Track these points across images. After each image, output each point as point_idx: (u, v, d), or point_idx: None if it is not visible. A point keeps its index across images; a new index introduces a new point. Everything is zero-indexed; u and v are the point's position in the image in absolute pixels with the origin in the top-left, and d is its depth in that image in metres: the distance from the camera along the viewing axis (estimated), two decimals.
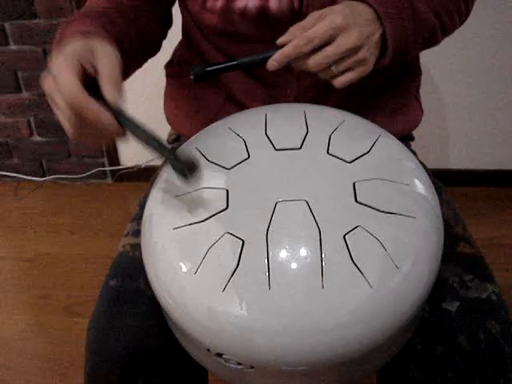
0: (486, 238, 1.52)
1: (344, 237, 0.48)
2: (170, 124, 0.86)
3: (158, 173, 0.62)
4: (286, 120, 0.61)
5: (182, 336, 0.55)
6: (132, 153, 1.88)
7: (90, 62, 0.53)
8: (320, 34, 0.56)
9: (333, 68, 0.58)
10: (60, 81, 0.50)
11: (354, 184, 0.52)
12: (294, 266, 0.47)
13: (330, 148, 0.56)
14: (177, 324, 0.52)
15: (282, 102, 0.71)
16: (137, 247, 0.68)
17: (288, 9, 0.65)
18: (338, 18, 0.56)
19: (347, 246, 0.47)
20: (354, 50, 0.57)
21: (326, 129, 0.58)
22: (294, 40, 0.57)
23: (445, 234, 0.54)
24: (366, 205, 0.50)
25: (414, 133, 0.84)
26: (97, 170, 1.91)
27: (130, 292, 0.64)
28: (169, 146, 0.52)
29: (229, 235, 0.49)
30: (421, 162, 0.61)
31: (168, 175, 0.59)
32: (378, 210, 0.50)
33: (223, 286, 0.47)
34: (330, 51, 0.57)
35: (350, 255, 0.47)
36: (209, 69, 0.62)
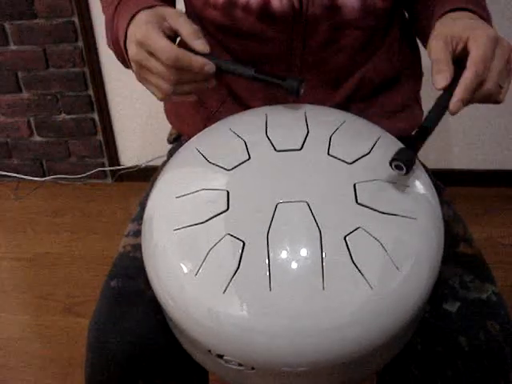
0: (485, 238, 1.52)
1: (345, 238, 0.48)
2: (170, 123, 0.86)
3: (158, 173, 0.62)
4: (286, 121, 0.61)
5: (183, 337, 0.55)
6: (132, 153, 1.88)
7: (164, 25, 0.58)
8: (490, 53, 0.53)
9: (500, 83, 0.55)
10: (156, 46, 0.55)
11: (354, 185, 0.52)
12: (294, 267, 0.47)
13: (331, 149, 0.56)
14: (177, 325, 0.52)
15: (282, 101, 0.71)
16: (137, 247, 0.68)
17: (289, 7, 0.65)
18: (489, 32, 0.54)
19: (348, 247, 0.48)
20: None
21: (327, 130, 0.58)
22: (469, 70, 0.53)
23: (445, 234, 0.54)
24: (366, 206, 0.50)
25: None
26: (97, 170, 1.91)
27: (131, 292, 0.64)
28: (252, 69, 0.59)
29: (229, 236, 0.49)
30: (421, 163, 0.61)
31: (168, 176, 0.59)
32: (378, 211, 0.50)
33: (224, 288, 0.47)
34: (496, 65, 0.54)
35: (351, 256, 0.47)
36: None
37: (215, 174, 0.55)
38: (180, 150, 0.63)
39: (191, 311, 0.48)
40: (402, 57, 0.75)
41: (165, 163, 0.77)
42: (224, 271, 0.47)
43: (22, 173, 1.95)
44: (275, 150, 0.56)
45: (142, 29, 0.56)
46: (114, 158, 1.89)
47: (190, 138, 0.64)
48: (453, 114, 0.54)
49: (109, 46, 0.69)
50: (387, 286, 0.47)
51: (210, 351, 0.50)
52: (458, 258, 0.65)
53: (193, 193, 0.54)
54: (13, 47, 1.71)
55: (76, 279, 1.49)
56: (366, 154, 0.55)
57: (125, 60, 0.63)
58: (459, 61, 0.55)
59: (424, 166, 0.69)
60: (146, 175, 0.89)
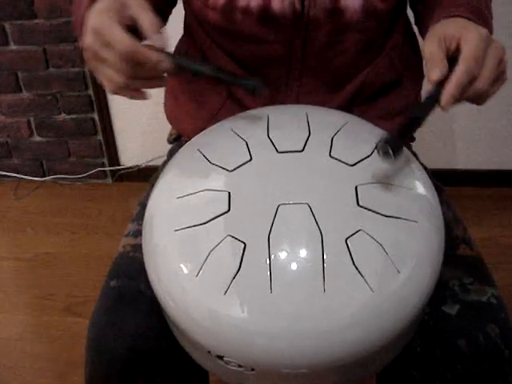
0: (485, 238, 1.52)
1: (346, 240, 0.48)
2: (170, 123, 0.86)
3: (158, 173, 0.62)
4: (288, 122, 0.61)
5: (183, 337, 0.55)
6: (132, 153, 1.88)
7: (125, 14, 0.55)
8: (482, 51, 0.54)
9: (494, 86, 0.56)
10: (111, 36, 0.52)
11: (356, 187, 0.52)
12: (295, 269, 0.47)
13: (333, 151, 0.56)
14: (178, 326, 0.52)
15: (283, 103, 0.71)
16: (137, 247, 0.68)
17: (290, 10, 0.65)
18: (482, 32, 0.55)
19: (349, 249, 0.48)
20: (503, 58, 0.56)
21: (329, 131, 0.58)
22: (460, 66, 0.54)
23: (445, 236, 0.54)
24: (367, 208, 0.50)
25: (415, 133, 0.84)
26: (97, 170, 1.91)
27: (131, 292, 0.64)
28: (216, 68, 0.57)
29: (230, 238, 0.49)
30: (420, 163, 0.61)
31: (169, 176, 0.59)
32: (379, 213, 0.50)
33: (225, 289, 0.47)
34: (488, 64, 0.54)
35: (352, 259, 0.47)
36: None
37: (216, 175, 0.55)
38: (181, 150, 0.63)
39: (191, 312, 0.48)
40: (404, 59, 0.75)
41: (165, 163, 0.77)
42: (225, 272, 0.47)
43: (22, 173, 1.95)
44: (277, 151, 0.56)
45: (101, 17, 0.54)
46: (114, 158, 1.89)
47: (190, 139, 0.64)
48: (444, 108, 0.54)
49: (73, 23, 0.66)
50: (387, 288, 0.47)
51: (209, 352, 0.50)
52: (457, 260, 0.64)
53: (194, 193, 0.54)
54: (13, 47, 1.71)
55: (76, 279, 1.49)
56: (368, 156, 0.55)
57: (80, 36, 0.60)
58: (453, 60, 0.55)
59: (424, 167, 0.69)
60: (146, 175, 0.89)
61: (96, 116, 1.80)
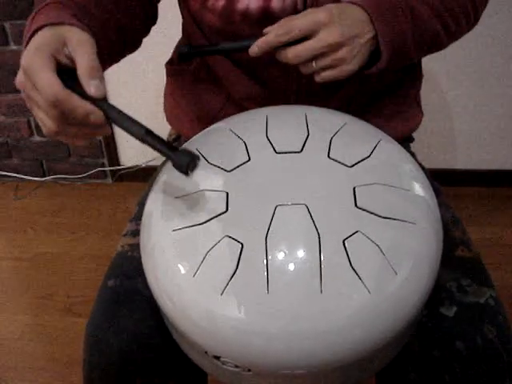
0: (485, 238, 1.52)
1: (343, 242, 0.48)
2: (170, 123, 0.86)
3: (157, 173, 0.62)
4: (287, 123, 0.61)
5: (180, 337, 0.55)
6: (132, 153, 1.88)
7: (63, 52, 0.50)
8: (299, 26, 0.57)
9: (313, 63, 0.59)
10: (38, 80, 0.48)
11: (354, 189, 0.52)
12: (292, 269, 0.47)
13: (331, 152, 0.56)
14: (175, 326, 0.52)
15: (281, 104, 0.71)
16: (135, 247, 0.68)
17: (291, 10, 0.64)
18: (321, 14, 0.57)
19: (346, 251, 0.47)
20: (335, 47, 0.58)
21: (327, 132, 0.58)
22: (276, 29, 0.59)
23: (443, 237, 0.54)
24: (365, 210, 0.50)
25: (415, 134, 0.84)
26: (97, 170, 1.91)
27: (129, 292, 0.64)
28: (148, 130, 0.50)
29: (228, 238, 0.49)
30: (419, 164, 0.61)
31: (168, 176, 0.59)
32: (377, 215, 0.50)
33: (222, 289, 0.47)
34: (308, 44, 0.58)
35: (349, 260, 0.47)
36: (192, 50, 0.64)
37: (215, 175, 0.55)
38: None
39: (189, 312, 0.48)
40: None
41: (164, 163, 0.77)
42: (222, 273, 0.47)
43: (22, 173, 1.95)
44: (275, 151, 0.56)
45: (33, 56, 0.49)
46: (114, 158, 1.89)
47: (189, 139, 0.64)
48: (251, 50, 0.60)
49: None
50: (385, 290, 0.47)
51: (206, 352, 0.50)
52: (455, 261, 0.64)
53: (192, 193, 0.54)
54: (13, 47, 1.71)
55: (76, 279, 1.49)
56: (366, 158, 0.55)
57: None
58: None
59: (422, 167, 0.69)
60: (146, 175, 0.89)
61: None
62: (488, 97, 1.62)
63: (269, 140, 0.58)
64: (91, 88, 0.49)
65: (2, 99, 1.81)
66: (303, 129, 0.58)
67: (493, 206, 1.68)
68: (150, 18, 0.73)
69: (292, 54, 0.59)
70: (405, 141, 0.81)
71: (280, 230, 0.49)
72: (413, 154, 0.80)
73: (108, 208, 1.80)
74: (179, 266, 0.49)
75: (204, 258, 0.48)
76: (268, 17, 0.65)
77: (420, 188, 0.55)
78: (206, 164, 0.56)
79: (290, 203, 0.51)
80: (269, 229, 0.49)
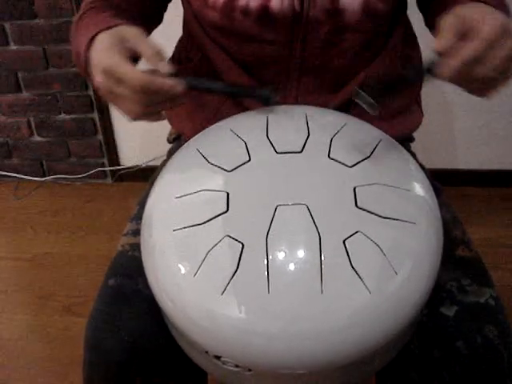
0: (485, 238, 1.52)
1: (344, 242, 0.48)
2: (170, 123, 0.86)
3: (157, 173, 0.62)
4: (287, 123, 0.61)
5: (181, 337, 0.55)
6: (132, 153, 1.88)
7: (128, 47, 0.57)
8: (498, 37, 0.50)
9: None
10: (122, 73, 0.55)
11: (354, 189, 0.52)
12: (293, 269, 0.47)
13: (331, 152, 0.56)
14: (175, 325, 0.52)
15: (282, 104, 0.71)
16: (136, 247, 0.68)
17: (289, 10, 0.65)
18: (504, 20, 0.51)
19: (347, 250, 0.48)
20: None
21: (328, 132, 0.58)
22: (471, 43, 0.51)
23: (444, 237, 0.54)
24: (366, 210, 0.50)
25: (415, 134, 0.84)
26: (97, 170, 1.91)
27: (129, 291, 0.64)
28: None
29: (228, 238, 0.49)
30: (419, 163, 0.61)
31: (168, 176, 0.59)
32: (377, 215, 0.50)
33: (222, 289, 0.47)
34: (499, 53, 0.51)
35: (350, 260, 0.47)
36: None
37: (215, 175, 0.55)
38: (180, 149, 0.63)
39: (189, 312, 0.49)
40: (404, 59, 0.75)
41: (164, 163, 0.77)
42: (222, 273, 0.47)
43: (22, 173, 1.95)
44: (276, 151, 0.56)
45: (107, 56, 0.56)
46: (113, 158, 1.89)
47: (189, 138, 0.64)
48: (440, 76, 0.52)
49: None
50: (385, 290, 0.47)
51: (207, 352, 0.50)
52: (456, 261, 0.64)
53: (192, 193, 0.54)
54: (13, 47, 1.71)
55: (76, 279, 1.49)
56: (367, 158, 0.55)
57: (85, 73, 0.63)
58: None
59: (422, 167, 0.69)
60: (146, 175, 0.89)
61: (96, 116, 1.80)
62: None
63: (269, 140, 0.58)
64: (164, 68, 0.56)
65: (2, 99, 1.81)
66: (304, 129, 0.58)
67: (493, 206, 1.68)
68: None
69: (492, 64, 0.51)
70: (405, 141, 0.81)
71: (280, 230, 0.49)
72: (413, 154, 0.80)
73: (108, 208, 1.80)
74: (180, 265, 0.50)
75: (204, 258, 0.48)
76: (267, 16, 0.65)
77: (420, 188, 0.55)
78: (207, 164, 0.56)
79: (290, 203, 0.51)
80: (269, 229, 0.49)
